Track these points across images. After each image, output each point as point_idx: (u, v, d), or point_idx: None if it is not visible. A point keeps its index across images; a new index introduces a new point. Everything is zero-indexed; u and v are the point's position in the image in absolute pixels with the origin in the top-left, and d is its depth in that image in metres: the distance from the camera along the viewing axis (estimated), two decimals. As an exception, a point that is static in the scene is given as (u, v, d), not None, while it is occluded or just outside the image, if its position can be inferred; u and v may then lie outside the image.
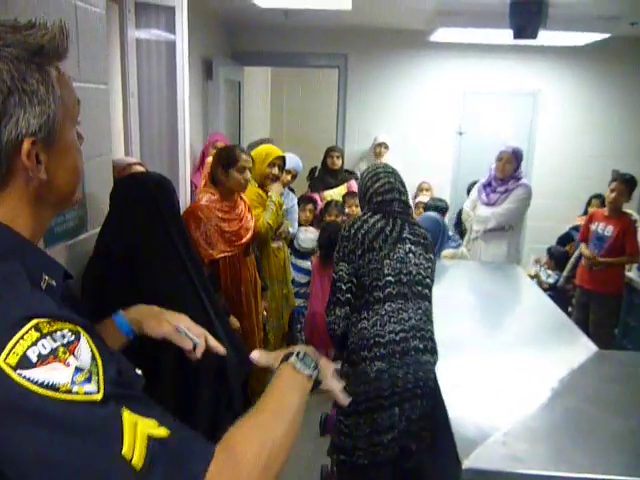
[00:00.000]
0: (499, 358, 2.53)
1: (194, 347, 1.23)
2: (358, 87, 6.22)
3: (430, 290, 2.40)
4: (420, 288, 2.34)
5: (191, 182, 3.99)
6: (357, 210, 4.77)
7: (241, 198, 3.13)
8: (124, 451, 0.68)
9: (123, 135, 3.19)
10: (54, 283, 0.83)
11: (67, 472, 0.67)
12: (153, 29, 3.28)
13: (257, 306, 3.22)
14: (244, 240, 3.01)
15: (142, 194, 1.87)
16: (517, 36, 4.06)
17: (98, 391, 0.69)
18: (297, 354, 1.02)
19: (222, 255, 2.90)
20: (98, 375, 0.71)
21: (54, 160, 0.83)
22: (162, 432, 0.72)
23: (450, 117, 6.21)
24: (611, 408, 2.09)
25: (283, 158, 3.53)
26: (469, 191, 5.42)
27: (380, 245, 2.27)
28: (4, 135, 0.76)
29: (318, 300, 3.88)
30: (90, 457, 0.68)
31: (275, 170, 3.45)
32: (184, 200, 3.45)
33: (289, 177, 4.05)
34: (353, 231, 2.29)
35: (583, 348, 2.65)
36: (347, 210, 4.72)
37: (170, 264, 1.85)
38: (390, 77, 6.16)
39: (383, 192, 2.38)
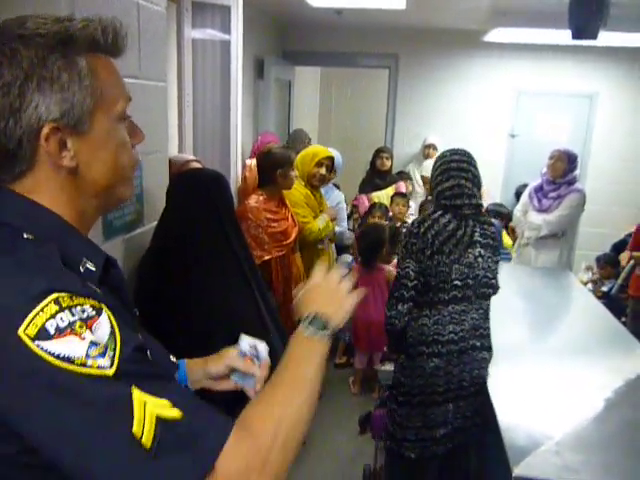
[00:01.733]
0: (552, 365, 2.46)
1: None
2: (409, 88, 6.17)
3: (492, 288, 2.35)
4: (484, 290, 2.31)
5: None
6: (404, 210, 4.74)
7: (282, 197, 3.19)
8: (134, 429, 0.69)
9: (177, 132, 3.25)
10: (93, 268, 0.85)
11: (79, 441, 0.69)
12: (208, 28, 3.34)
13: None
14: (292, 238, 3.05)
15: (198, 189, 1.90)
16: (576, 36, 3.92)
17: (111, 366, 0.71)
18: (305, 319, 1.00)
19: (273, 256, 2.95)
20: (114, 350, 0.72)
21: (86, 150, 0.84)
22: (174, 413, 0.72)
23: (503, 119, 6.10)
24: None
25: (332, 159, 3.54)
26: (517, 194, 5.31)
27: (450, 249, 2.20)
28: (24, 119, 0.78)
29: (369, 308, 3.84)
30: (101, 430, 0.69)
31: (323, 170, 3.46)
32: (236, 197, 3.49)
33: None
34: (423, 229, 2.21)
35: (639, 358, 2.57)
36: (396, 209, 4.69)
37: (224, 258, 1.87)
38: (442, 78, 6.09)
39: (451, 196, 2.25)
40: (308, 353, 0.96)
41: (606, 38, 4.26)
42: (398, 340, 2.37)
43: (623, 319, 4.29)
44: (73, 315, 0.71)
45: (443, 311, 2.25)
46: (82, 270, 0.82)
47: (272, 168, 3.04)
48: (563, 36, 4.22)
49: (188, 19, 3.12)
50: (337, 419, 3.68)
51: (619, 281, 4.63)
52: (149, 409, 0.71)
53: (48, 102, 0.79)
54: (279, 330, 1.98)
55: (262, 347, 1.18)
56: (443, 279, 2.22)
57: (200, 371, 1.20)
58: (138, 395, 0.71)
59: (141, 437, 0.69)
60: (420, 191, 5.67)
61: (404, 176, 5.47)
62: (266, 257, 2.91)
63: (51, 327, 0.69)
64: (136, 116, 0.96)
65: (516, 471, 1.66)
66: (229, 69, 3.41)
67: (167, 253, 1.83)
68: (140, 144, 0.96)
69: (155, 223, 1.99)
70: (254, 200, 3.00)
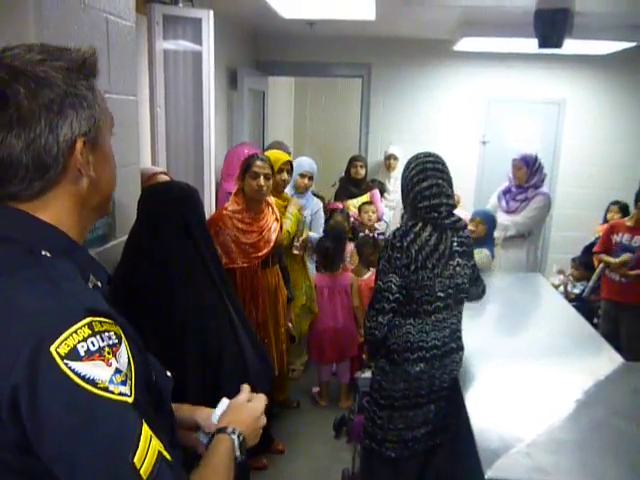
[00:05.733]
0: (523, 367, 2.50)
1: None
2: (381, 97, 6.23)
3: (466, 292, 2.42)
4: (462, 295, 2.39)
5: (225, 190, 4.00)
6: (374, 217, 4.76)
7: (271, 209, 3.14)
8: (135, 459, 0.73)
9: (150, 144, 3.25)
10: (99, 284, 0.90)
11: (84, 461, 0.72)
12: (180, 40, 3.35)
13: (278, 317, 3.20)
14: (262, 253, 3.00)
15: (169, 205, 1.90)
16: (542, 45, 4.01)
17: (130, 395, 0.75)
18: (238, 436, 1.04)
19: (237, 265, 2.91)
20: (132, 380, 0.77)
21: (98, 163, 0.90)
22: (167, 455, 0.77)
23: (474, 126, 6.18)
24: (639, 420, 2.06)
25: (290, 163, 3.57)
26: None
27: (434, 264, 2.22)
28: (61, 135, 0.83)
29: (336, 317, 3.82)
30: (107, 454, 0.72)
31: (284, 175, 3.48)
32: (209, 208, 3.49)
33: (306, 180, 4.06)
34: (406, 244, 2.20)
35: (609, 359, 2.62)
36: (366, 217, 4.71)
37: (195, 273, 1.87)
38: (414, 86, 6.16)
39: (430, 196, 2.24)
40: (229, 465, 0.99)
41: (572, 46, 4.37)
42: (377, 348, 2.38)
43: (595, 320, 4.37)
44: (102, 341, 0.75)
45: (427, 319, 2.28)
46: (91, 286, 0.87)
47: (239, 175, 3.03)
48: (530, 45, 4.31)
49: (159, 32, 3.13)
50: (308, 428, 3.69)
51: (590, 283, 4.71)
52: (153, 444, 0.75)
53: (80, 118, 0.85)
54: (251, 340, 1.99)
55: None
56: (427, 292, 2.24)
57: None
58: (146, 429, 0.75)
59: (140, 467, 0.73)
60: (390, 197, 5.71)
61: (378, 185, 5.50)
62: (230, 265, 2.87)
63: (82, 349, 0.73)
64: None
65: (488, 473, 1.68)
66: (201, 80, 3.42)
67: (137, 266, 1.83)
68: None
69: (126, 236, 1.99)
70: (231, 208, 2.98)
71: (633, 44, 4.84)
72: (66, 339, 0.72)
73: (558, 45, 3.98)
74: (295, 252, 3.62)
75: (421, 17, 4.64)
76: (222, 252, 2.84)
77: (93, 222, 1.01)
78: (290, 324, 3.41)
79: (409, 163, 2.36)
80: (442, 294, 2.28)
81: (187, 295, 1.84)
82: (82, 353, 0.72)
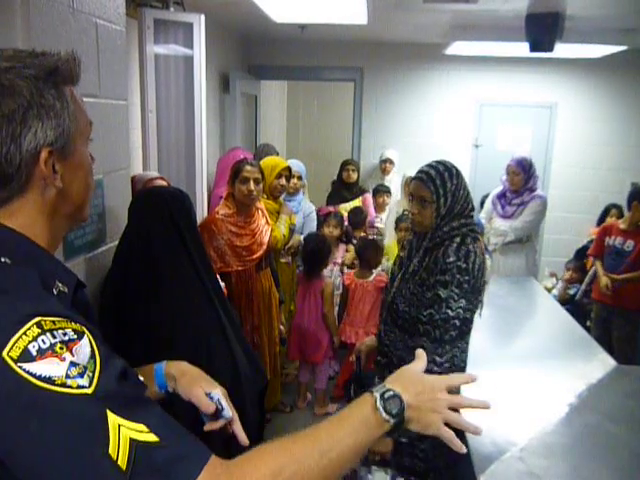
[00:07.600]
0: (516, 372, 2.51)
1: (216, 413, 1.17)
2: (374, 100, 6.25)
3: None
4: None
5: (217, 195, 4.00)
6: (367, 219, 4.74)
7: (261, 212, 3.16)
8: (110, 450, 0.70)
9: (141, 149, 3.24)
10: (66, 290, 0.88)
11: (57, 462, 0.70)
12: (171, 44, 3.34)
13: (272, 320, 3.22)
14: (256, 255, 3.02)
15: (161, 210, 1.89)
16: (533, 49, 4.04)
17: (89, 386, 0.72)
18: (384, 393, 0.91)
19: (233, 269, 2.92)
20: (93, 372, 0.74)
21: (69, 171, 0.90)
22: (150, 438, 0.72)
23: (466, 130, 6.21)
24: (631, 425, 2.06)
25: (289, 169, 3.61)
26: (482, 203, 5.41)
27: (485, 278, 2.15)
28: (24, 145, 0.83)
29: (303, 317, 3.82)
30: (79, 450, 0.70)
31: (282, 181, 3.52)
32: (201, 213, 3.48)
33: (295, 180, 4.08)
34: (471, 265, 2.06)
35: (601, 363, 2.62)
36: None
37: (186, 277, 1.86)
38: (406, 90, 6.18)
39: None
40: (361, 423, 0.89)
41: (563, 50, 4.39)
42: None
43: (588, 323, 4.37)
44: (54, 337, 0.73)
45: (466, 338, 2.16)
46: (55, 292, 0.85)
47: (229, 180, 3.05)
48: (521, 49, 4.33)
49: (150, 36, 3.12)
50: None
51: (583, 286, 4.72)
52: (123, 432, 0.71)
53: (45, 128, 0.84)
54: (242, 346, 1.98)
55: (226, 405, 1.17)
56: (476, 310, 2.16)
57: (171, 384, 1.22)
58: (112, 418, 0.71)
59: (117, 459, 0.70)
60: (388, 200, 5.70)
61: (383, 189, 5.45)
62: (225, 269, 2.88)
63: (33, 349, 0.71)
64: (97, 135, 0.98)
65: (482, 478, 1.68)
66: (193, 84, 3.41)
67: (129, 271, 1.82)
68: (102, 162, 1.00)
69: (117, 242, 1.98)
70: (223, 212, 2.98)
71: (624, 47, 4.88)
72: (16, 342, 0.71)
73: (549, 49, 4.00)
74: (283, 260, 3.64)
75: (413, 21, 4.66)
76: (217, 256, 2.85)
77: (67, 229, 1.01)
78: (282, 326, 3.43)
79: (458, 174, 2.17)
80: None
81: (178, 299, 1.83)
82: (34, 353, 0.71)
